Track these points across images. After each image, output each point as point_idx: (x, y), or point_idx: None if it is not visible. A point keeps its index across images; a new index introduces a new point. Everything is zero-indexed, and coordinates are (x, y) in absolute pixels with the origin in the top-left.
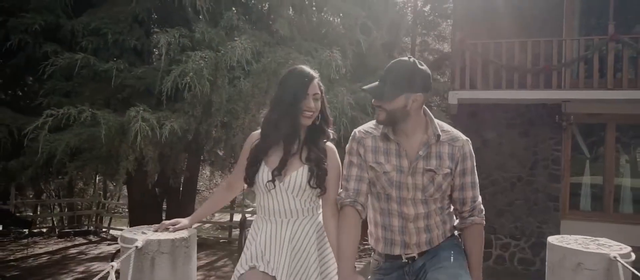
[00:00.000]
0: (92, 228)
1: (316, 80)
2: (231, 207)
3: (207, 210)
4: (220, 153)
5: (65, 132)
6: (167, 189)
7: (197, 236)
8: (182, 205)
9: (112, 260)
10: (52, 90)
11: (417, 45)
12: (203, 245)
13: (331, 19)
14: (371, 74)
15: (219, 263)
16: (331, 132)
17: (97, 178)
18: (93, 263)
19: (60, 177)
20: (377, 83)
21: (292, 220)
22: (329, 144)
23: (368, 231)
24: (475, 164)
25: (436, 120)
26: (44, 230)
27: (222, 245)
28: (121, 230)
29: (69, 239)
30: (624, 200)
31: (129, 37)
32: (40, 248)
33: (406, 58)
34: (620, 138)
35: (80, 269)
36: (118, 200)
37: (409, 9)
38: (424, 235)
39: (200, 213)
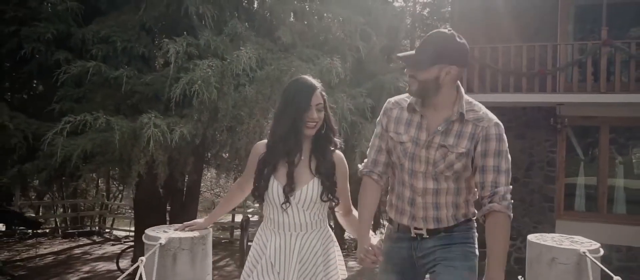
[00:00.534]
0: (95, 228)
1: (319, 91)
2: (232, 208)
3: (222, 211)
4: (225, 156)
5: (80, 137)
6: (171, 191)
7: None
8: (186, 206)
9: (117, 261)
10: (64, 96)
11: None
12: None
13: (331, 25)
14: (370, 79)
15: (222, 263)
16: (338, 140)
17: (99, 179)
18: (98, 263)
19: (73, 180)
20: (412, 51)
21: (302, 234)
22: (337, 153)
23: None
24: (506, 150)
25: (470, 100)
26: (48, 230)
27: (224, 245)
28: (124, 231)
29: (73, 239)
30: (618, 200)
31: (137, 44)
32: (45, 248)
33: (445, 29)
34: (614, 140)
35: (86, 268)
36: (121, 202)
37: (408, 12)
38: (431, 212)
39: (215, 213)
